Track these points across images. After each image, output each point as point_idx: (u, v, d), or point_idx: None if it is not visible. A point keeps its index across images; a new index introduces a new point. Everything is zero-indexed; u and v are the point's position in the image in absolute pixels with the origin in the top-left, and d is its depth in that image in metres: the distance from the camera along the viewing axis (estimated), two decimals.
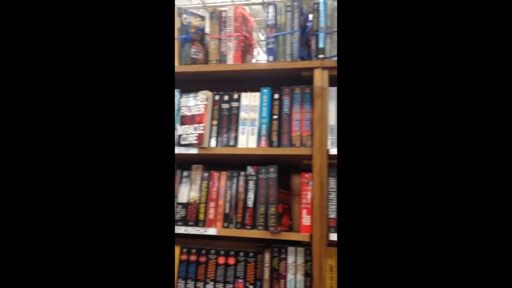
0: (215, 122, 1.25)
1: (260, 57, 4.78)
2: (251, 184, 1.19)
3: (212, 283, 1.19)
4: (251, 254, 1.20)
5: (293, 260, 1.16)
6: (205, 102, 1.25)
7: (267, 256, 1.18)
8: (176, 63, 1.32)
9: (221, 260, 1.21)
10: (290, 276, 1.15)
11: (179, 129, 1.27)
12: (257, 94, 1.23)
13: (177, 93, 1.31)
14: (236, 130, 1.22)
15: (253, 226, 1.16)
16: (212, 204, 1.22)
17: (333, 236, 1.08)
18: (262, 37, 4.54)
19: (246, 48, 1.33)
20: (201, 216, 1.22)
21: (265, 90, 1.23)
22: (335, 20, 1.19)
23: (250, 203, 1.18)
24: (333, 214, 1.11)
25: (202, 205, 1.22)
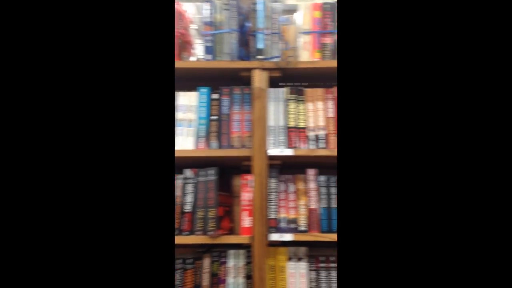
0: None
1: (202, 55, 4.63)
2: (190, 188, 1.14)
3: None
4: (189, 261, 1.15)
5: (234, 263, 1.14)
6: None
7: (206, 262, 1.14)
8: None
9: None
10: (230, 279, 1.12)
11: None
12: (195, 93, 1.18)
13: None
14: None
15: (191, 232, 1.11)
16: None
17: (273, 237, 1.09)
18: None
19: (182, 45, 1.27)
20: None
21: (204, 90, 1.18)
22: (274, 21, 1.20)
23: (188, 207, 1.13)
24: (273, 215, 1.12)
25: None
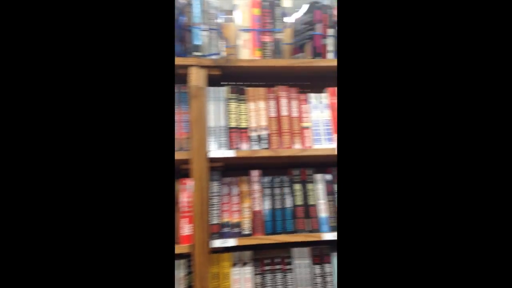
0: None
1: None
2: None
3: None
4: None
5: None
6: None
7: None
8: None
9: None
10: None
11: None
12: None
13: None
14: None
15: None
16: None
17: (216, 243, 1.04)
18: None
19: None
20: None
21: None
22: (211, 16, 1.15)
23: None
24: (215, 220, 1.06)
25: None
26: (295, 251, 1.14)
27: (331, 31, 1.21)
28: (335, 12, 1.23)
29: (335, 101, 1.19)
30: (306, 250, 1.15)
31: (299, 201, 1.14)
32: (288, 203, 1.14)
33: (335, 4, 1.24)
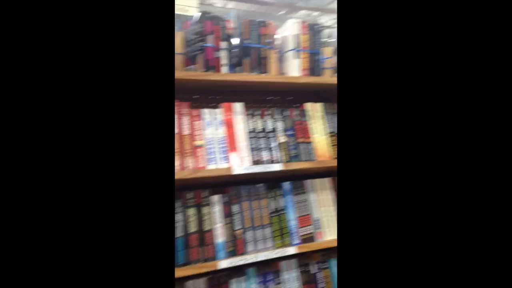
0: None
1: None
2: None
3: None
4: None
5: None
6: None
7: None
8: None
9: None
10: None
11: None
12: None
13: None
14: None
15: None
16: None
17: None
18: None
19: None
20: None
21: None
22: None
23: None
24: None
25: None
26: (189, 284, 1.03)
27: (224, 44, 1.15)
28: (227, 24, 1.18)
29: (231, 117, 1.13)
30: (202, 281, 1.04)
31: (193, 227, 1.03)
32: (180, 232, 1.02)
33: (227, 16, 1.19)
